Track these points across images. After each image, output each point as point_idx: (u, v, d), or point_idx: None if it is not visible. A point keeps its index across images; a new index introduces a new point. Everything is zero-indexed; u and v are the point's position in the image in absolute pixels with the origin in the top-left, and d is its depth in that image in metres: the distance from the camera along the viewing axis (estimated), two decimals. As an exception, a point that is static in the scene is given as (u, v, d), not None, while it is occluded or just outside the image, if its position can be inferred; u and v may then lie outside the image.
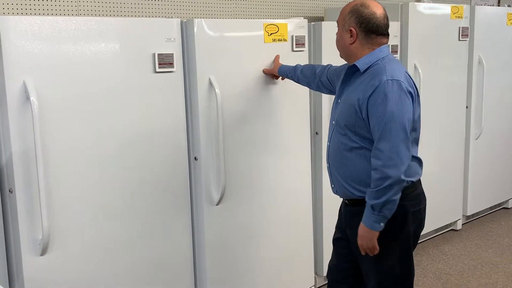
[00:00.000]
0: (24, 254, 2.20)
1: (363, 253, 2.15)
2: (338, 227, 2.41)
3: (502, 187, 4.85)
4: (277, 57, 2.86)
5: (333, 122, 2.25)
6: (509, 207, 4.98)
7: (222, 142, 2.66)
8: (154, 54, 2.46)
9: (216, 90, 2.61)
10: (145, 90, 2.46)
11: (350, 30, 2.15)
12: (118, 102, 2.38)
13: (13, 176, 2.15)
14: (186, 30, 2.59)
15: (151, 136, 2.50)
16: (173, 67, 2.52)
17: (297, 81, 2.76)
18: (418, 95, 2.15)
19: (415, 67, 3.75)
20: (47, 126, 2.19)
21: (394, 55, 3.07)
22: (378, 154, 2.02)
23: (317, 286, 3.44)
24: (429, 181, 2.82)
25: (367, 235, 2.09)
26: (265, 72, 2.84)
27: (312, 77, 2.65)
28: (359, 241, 2.13)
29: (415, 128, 2.16)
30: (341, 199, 2.36)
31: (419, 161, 2.22)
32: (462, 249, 4.09)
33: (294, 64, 2.77)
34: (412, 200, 2.18)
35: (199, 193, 2.71)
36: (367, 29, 2.14)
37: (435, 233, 4.31)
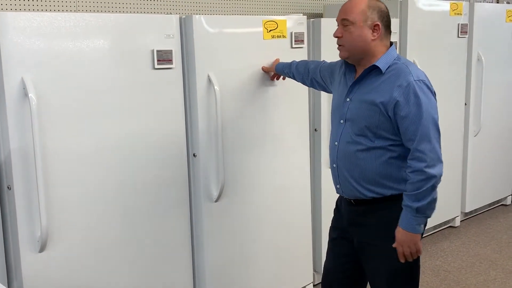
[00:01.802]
0: (22, 251, 2.20)
1: (402, 260, 2.09)
2: (336, 227, 2.35)
3: (500, 184, 4.85)
4: (276, 60, 2.85)
5: (342, 121, 2.17)
6: (508, 204, 5.00)
7: (221, 139, 2.66)
8: (153, 51, 2.45)
9: (215, 87, 2.61)
10: (144, 86, 2.45)
11: (375, 25, 2.07)
12: (117, 99, 2.38)
13: (11, 173, 2.15)
14: (185, 27, 2.58)
15: (150, 133, 2.50)
16: (172, 63, 2.51)
17: (293, 78, 2.74)
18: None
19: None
20: (45, 123, 2.18)
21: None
22: (420, 156, 1.99)
23: (316, 283, 3.44)
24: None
25: (410, 239, 2.04)
26: (264, 70, 2.83)
27: (306, 74, 2.62)
28: (400, 248, 2.06)
29: None
30: (339, 197, 2.34)
31: None
32: (461, 246, 4.10)
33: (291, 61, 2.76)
34: None
35: (198, 189, 2.70)
36: (387, 24, 2.11)
37: (434, 230, 4.32)
